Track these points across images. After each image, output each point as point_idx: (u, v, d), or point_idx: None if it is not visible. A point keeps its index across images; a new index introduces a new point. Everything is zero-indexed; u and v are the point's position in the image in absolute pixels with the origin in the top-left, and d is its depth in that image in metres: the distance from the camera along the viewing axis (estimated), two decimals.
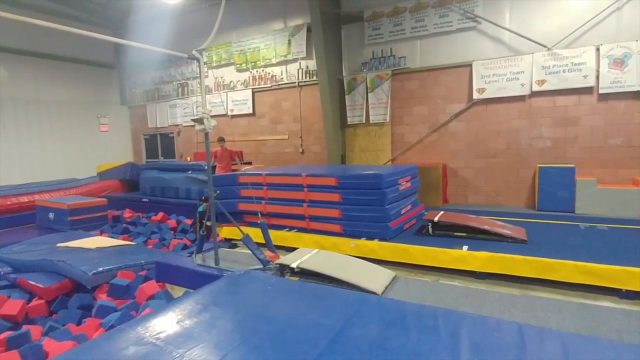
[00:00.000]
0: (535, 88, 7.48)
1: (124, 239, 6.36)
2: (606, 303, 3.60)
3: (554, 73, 7.30)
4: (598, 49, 6.96)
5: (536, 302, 3.44)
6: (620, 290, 3.73)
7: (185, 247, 6.12)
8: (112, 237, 6.57)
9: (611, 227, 5.39)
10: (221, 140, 8.83)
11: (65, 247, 5.37)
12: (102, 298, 4.22)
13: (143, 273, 4.67)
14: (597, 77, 7.00)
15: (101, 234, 6.98)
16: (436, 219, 5.22)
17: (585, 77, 7.07)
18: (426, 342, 2.43)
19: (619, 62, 6.84)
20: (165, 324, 2.68)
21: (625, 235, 4.99)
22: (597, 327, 2.96)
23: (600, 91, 7.01)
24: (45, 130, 12.32)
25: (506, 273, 4.22)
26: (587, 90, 7.14)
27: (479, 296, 3.64)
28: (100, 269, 4.41)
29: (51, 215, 7.75)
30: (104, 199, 8.41)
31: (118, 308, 3.96)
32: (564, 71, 7.21)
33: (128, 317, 3.52)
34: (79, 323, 3.90)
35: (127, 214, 8.75)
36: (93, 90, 13.86)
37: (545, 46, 7.34)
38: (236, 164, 8.90)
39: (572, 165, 7.12)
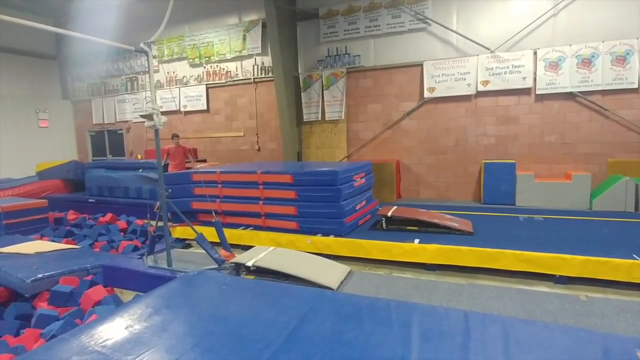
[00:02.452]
0: (480, 88, 7.91)
1: (67, 243, 5.98)
2: (542, 288, 3.91)
3: (496, 74, 7.76)
4: (535, 53, 7.48)
5: (480, 290, 3.67)
6: (555, 275, 4.05)
7: (135, 248, 5.86)
8: (53, 241, 6.15)
9: (547, 217, 5.84)
10: (175, 136, 8.55)
11: None
12: (43, 307, 3.95)
13: (89, 278, 4.41)
14: (535, 79, 7.53)
15: (41, 237, 6.51)
16: (389, 214, 5.37)
17: (524, 78, 7.58)
18: (379, 333, 2.52)
19: (554, 65, 7.39)
20: (112, 330, 2.56)
21: (559, 225, 5.43)
22: (534, 310, 3.20)
23: (537, 92, 7.55)
24: None
25: (454, 264, 4.44)
26: (526, 91, 7.66)
27: (429, 287, 3.81)
28: (40, 275, 4.12)
29: None
30: (44, 200, 7.84)
31: (60, 317, 3.73)
32: (505, 73, 7.69)
33: (72, 326, 3.32)
34: (16, 334, 3.63)
35: (70, 215, 8.23)
36: (31, 83, 12.84)
37: (488, 49, 7.77)
38: (189, 161, 8.65)
39: (513, 161, 7.62)
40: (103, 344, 2.40)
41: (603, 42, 7.05)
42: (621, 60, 6.98)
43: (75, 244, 5.96)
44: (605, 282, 3.88)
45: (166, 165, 8.06)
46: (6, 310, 3.99)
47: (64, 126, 13.61)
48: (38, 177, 10.06)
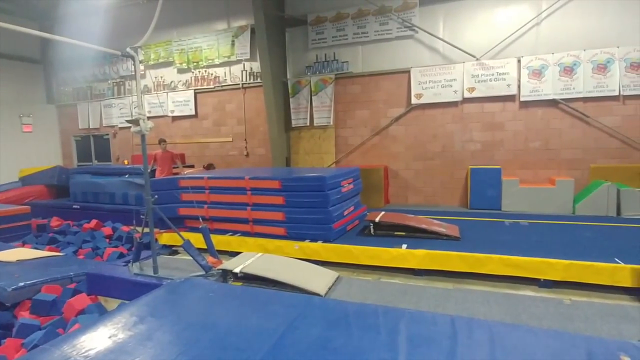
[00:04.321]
0: (467, 95, 8.04)
1: (50, 250, 5.85)
2: (527, 292, 3.96)
3: (482, 81, 7.89)
4: (519, 61, 7.64)
5: (467, 295, 3.70)
6: (539, 279, 4.11)
7: (121, 255, 5.77)
8: (36, 248, 6.01)
9: (531, 222, 5.93)
10: (162, 142, 8.44)
11: None
12: (24, 316, 3.85)
13: (72, 286, 4.32)
14: (519, 86, 7.69)
15: (23, 245, 6.35)
16: (377, 219, 5.40)
17: (508, 85, 7.73)
18: (367, 339, 2.51)
19: (537, 73, 7.55)
20: (95, 339, 2.51)
21: (544, 229, 5.53)
22: (519, 314, 3.24)
23: (522, 99, 7.70)
24: None
25: (441, 269, 4.48)
26: (511, 98, 7.81)
27: (417, 292, 3.83)
28: (21, 283, 4.02)
29: None
30: (26, 206, 7.67)
31: (42, 326, 3.63)
32: (490, 80, 7.83)
33: (54, 335, 3.24)
34: None
35: (54, 222, 8.06)
36: (14, 87, 12.58)
37: (474, 56, 7.91)
38: (177, 167, 8.56)
39: (499, 167, 7.74)
40: (86, 354, 2.34)
41: (584, 50, 7.23)
42: (602, 68, 7.17)
43: (59, 252, 5.84)
44: (589, 285, 3.95)
45: (153, 171, 7.97)
46: None
47: (48, 131, 13.36)
48: (21, 183, 9.85)
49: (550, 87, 7.47)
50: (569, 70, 7.35)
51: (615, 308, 3.33)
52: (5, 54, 12.15)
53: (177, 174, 7.77)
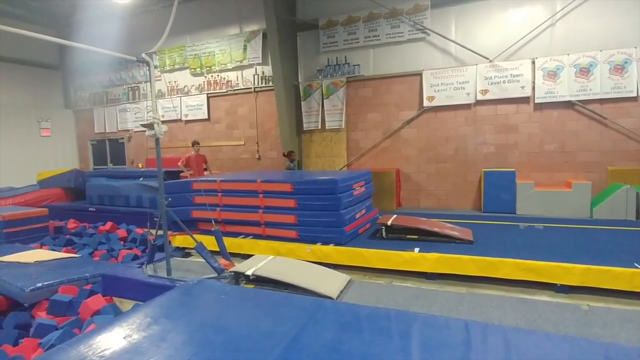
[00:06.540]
0: (479, 97, 7.96)
1: (67, 252, 5.96)
2: (543, 297, 3.88)
3: (495, 83, 7.81)
4: (534, 62, 7.53)
5: (481, 299, 3.65)
6: (556, 284, 4.02)
7: (135, 257, 5.85)
8: (53, 249, 6.14)
9: (547, 226, 5.82)
10: (196, 144, 8.47)
11: None
12: (42, 316, 3.93)
13: (88, 287, 4.40)
14: (533, 88, 7.58)
15: (41, 246, 6.50)
16: (389, 222, 5.36)
17: (522, 87, 7.62)
18: (379, 343, 2.50)
19: (552, 74, 7.44)
20: (110, 340, 2.55)
21: (560, 233, 5.41)
22: (535, 320, 3.18)
23: (536, 101, 7.59)
24: None
25: (454, 273, 4.42)
26: (525, 100, 7.70)
27: (430, 296, 3.79)
28: (39, 284, 4.11)
29: None
30: (44, 208, 7.85)
31: (59, 326, 3.71)
32: (504, 82, 7.74)
33: (70, 335, 3.30)
34: (15, 344, 3.61)
35: (71, 224, 8.22)
36: (33, 93, 12.93)
37: (487, 58, 7.83)
38: (207, 169, 8.64)
39: (513, 170, 7.63)
40: (101, 354, 2.38)
41: (601, 51, 7.10)
42: (619, 69, 7.03)
43: (75, 253, 5.95)
44: (607, 291, 3.85)
45: (179, 173, 8.00)
46: (5, 320, 3.97)
47: (65, 135, 13.68)
48: (39, 186, 10.08)
49: (566, 89, 7.35)
50: (585, 72, 7.22)
51: (634, 314, 3.24)
52: (24, 61, 12.50)
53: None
